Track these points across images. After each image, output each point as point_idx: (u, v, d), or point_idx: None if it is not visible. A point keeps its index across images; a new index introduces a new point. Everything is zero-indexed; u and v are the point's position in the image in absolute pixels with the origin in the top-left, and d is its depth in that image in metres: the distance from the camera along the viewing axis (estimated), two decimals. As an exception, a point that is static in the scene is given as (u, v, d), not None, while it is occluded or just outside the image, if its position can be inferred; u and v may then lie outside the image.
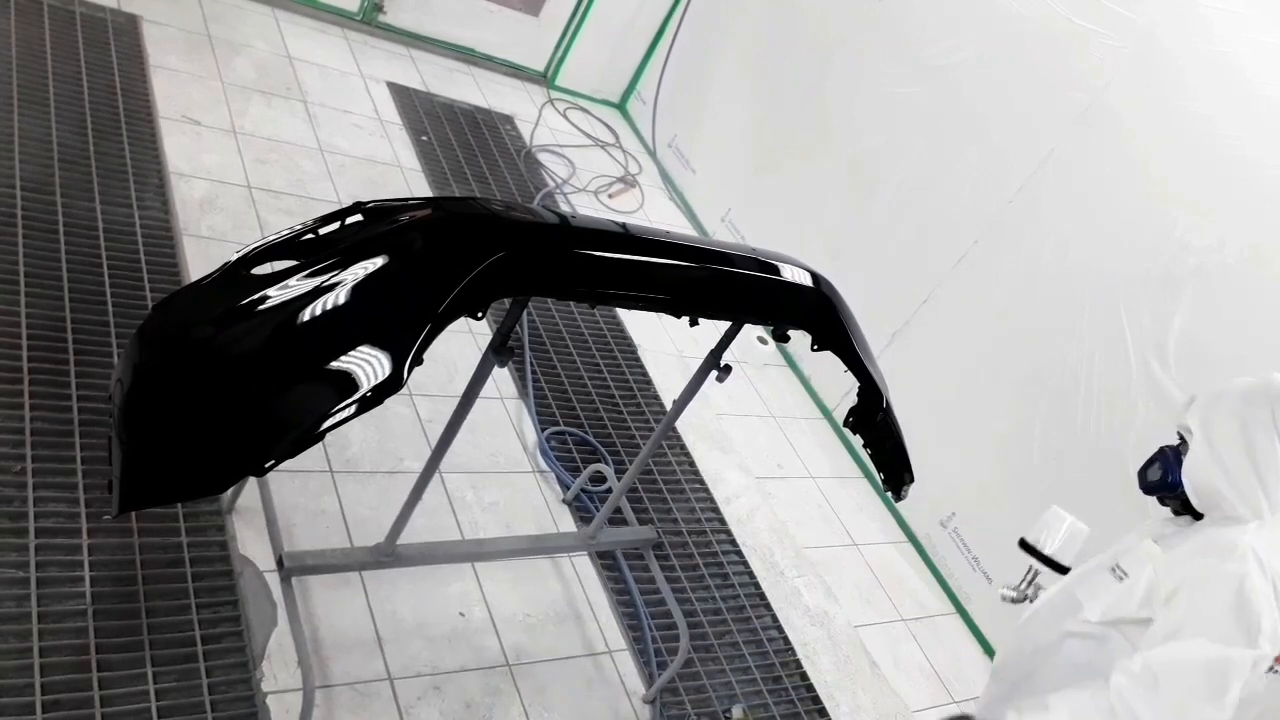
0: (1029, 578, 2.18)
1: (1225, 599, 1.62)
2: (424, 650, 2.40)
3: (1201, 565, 1.68)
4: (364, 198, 1.96)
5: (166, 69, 3.70)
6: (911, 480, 2.52)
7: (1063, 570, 2.08)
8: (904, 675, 3.16)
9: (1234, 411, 1.74)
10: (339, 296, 1.62)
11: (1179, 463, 1.82)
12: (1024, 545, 2.15)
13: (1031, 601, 2.14)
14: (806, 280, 2.18)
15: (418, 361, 1.59)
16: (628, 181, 4.85)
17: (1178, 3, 3.07)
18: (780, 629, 3.03)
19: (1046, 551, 2.10)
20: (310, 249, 1.78)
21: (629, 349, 3.81)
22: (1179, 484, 1.81)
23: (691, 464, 3.46)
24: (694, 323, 2.09)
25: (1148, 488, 1.91)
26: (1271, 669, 1.66)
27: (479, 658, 2.47)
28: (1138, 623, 1.76)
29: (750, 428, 3.83)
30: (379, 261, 1.66)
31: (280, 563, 2.14)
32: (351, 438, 2.77)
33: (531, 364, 3.43)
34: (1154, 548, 1.82)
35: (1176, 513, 1.89)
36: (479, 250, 1.69)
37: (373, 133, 4.11)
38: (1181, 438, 1.86)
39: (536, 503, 2.98)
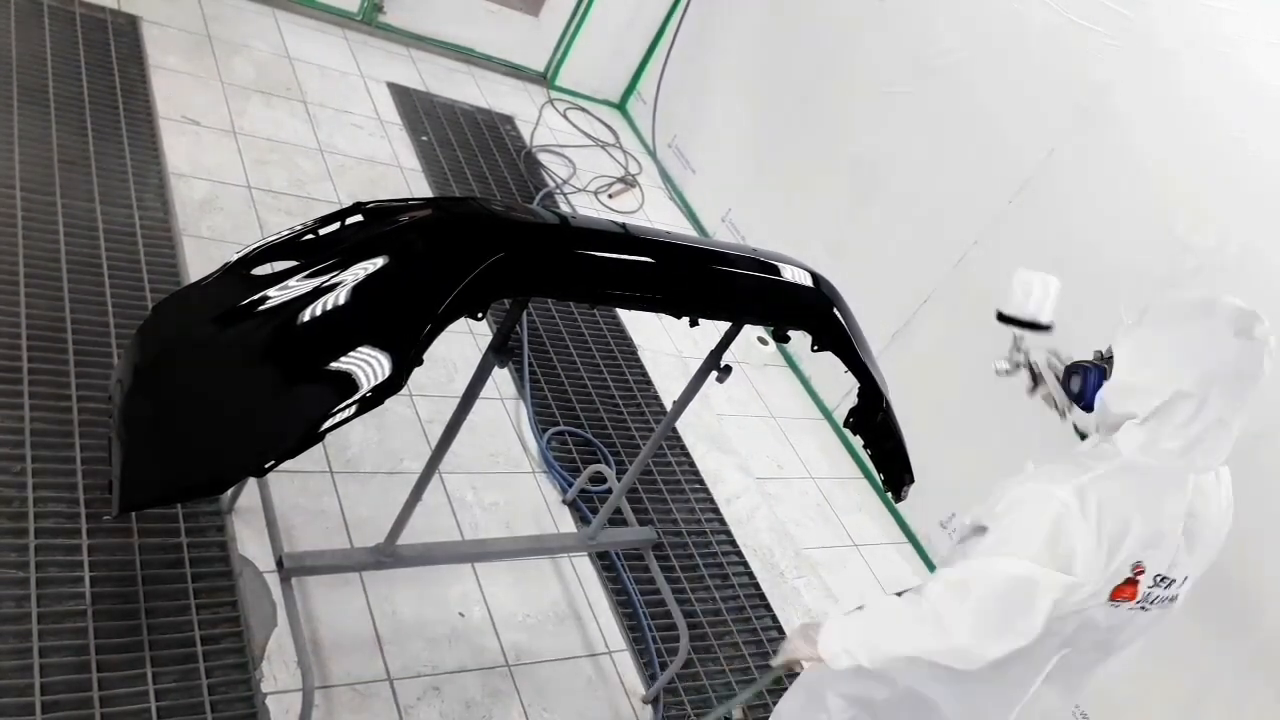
0: (1017, 344, 2.08)
1: (1043, 526, 1.60)
2: (424, 650, 2.40)
3: (1035, 489, 1.64)
4: (364, 198, 1.97)
5: (166, 69, 3.70)
6: (911, 481, 2.52)
7: (1045, 329, 1.99)
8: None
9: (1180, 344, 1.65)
10: (339, 297, 1.62)
11: (1100, 383, 1.73)
12: (1003, 318, 2.04)
13: (1025, 368, 2.06)
14: (806, 280, 2.18)
15: (418, 362, 1.60)
16: (628, 181, 4.84)
17: (1178, 2, 3.07)
18: (780, 629, 3.03)
19: (1027, 315, 2.01)
20: (310, 249, 1.78)
21: (629, 349, 3.81)
22: (1091, 403, 1.75)
23: (691, 464, 3.46)
24: (694, 323, 2.09)
25: (1070, 395, 1.86)
26: (1114, 602, 1.66)
27: (479, 658, 2.47)
28: (977, 532, 1.74)
29: (750, 428, 3.83)
30: (379, 262, 1.67)
31: (280, 563, 2.14)
32: (351, 438, 2.77)
33: (531, 364, 3.43)
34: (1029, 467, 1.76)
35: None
36: (479, 251, 1.69)
37: (373, 133, 4.11)
38: (1098, 363, 1.78)
39: (536, 503, 2.98)
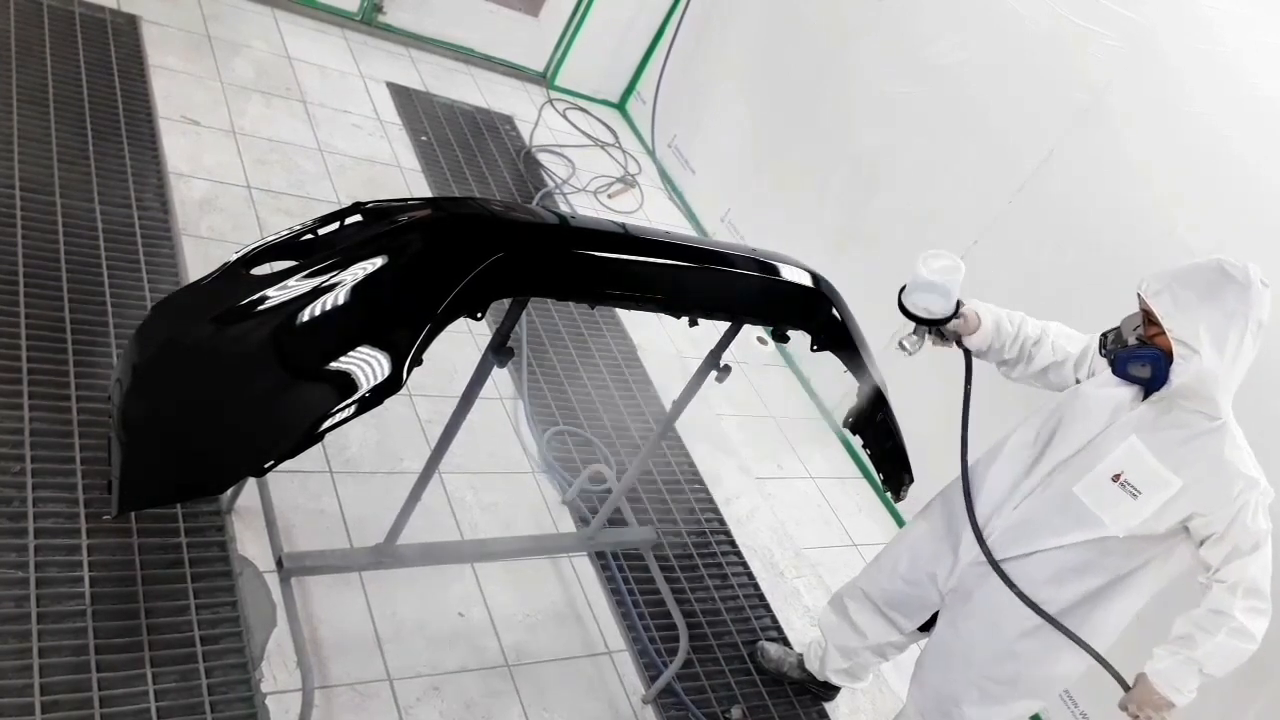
0: (919, 327, 2.27)
1: (1263, 514, 1.99)
2: (423, 651, 2.40)
3: (1240, 495, 1.97)
4: (363, 198, 1.96)
5: (166, 69, 3.70)
6: (911, 481, 2.52)
7: (955, 316, 2.23)
8: (902, 675, 3.15)
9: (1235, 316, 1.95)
10: (338, 297, 1.62)
11: (1165, 365, 2.00)
12: (910, 316, 2.23)
13: (929, 336, 2.29)
14: (806, 280, 2.18)
15: (417, 362, 1.60)
16: (627, 182, 4.84)
17: (1178, 3, 3.07)
18: (779, 629, 3.03)
19: (937, 316, 2.22)
20: (309, 249, 1.78)
21: (629, 349, 3.81)
22: (1163, 383, 2.01)
23: (691, 464, 3.46)
24: (694, 323, 2.09)
25: (1127, 376, 2.09)
26: None
27: (478, 658, 2.47)
28: (1157, 537, 2.06)
29: (750, 428, 3.83)
30: (378, 262, 1.67)
31: (280, 563, 2.14)
32: (351, 438, 2.77)
33: (531, 364, 3.43)
34: (1152, 460, 2.01)
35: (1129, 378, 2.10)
36: (478, 251, 1.69)
37: (372, 133, 4.11)
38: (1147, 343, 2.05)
39: (536, 503, 2.98)
